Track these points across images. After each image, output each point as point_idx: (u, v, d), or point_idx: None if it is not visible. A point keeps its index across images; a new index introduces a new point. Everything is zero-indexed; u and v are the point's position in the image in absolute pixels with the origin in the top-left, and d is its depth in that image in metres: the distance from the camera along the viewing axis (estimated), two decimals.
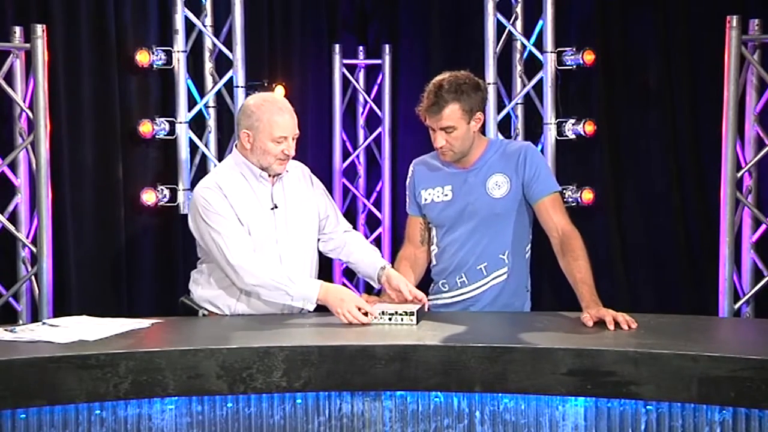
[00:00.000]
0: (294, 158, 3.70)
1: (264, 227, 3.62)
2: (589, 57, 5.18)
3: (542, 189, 3.65)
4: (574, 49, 5.19)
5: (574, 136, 5.22)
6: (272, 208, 3.65)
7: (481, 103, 3.66)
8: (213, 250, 3.58)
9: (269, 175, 3.66)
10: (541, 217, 3.66)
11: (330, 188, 5.62)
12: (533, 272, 3.88)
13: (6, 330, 3.20)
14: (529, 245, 3.77)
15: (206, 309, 3.69)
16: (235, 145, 3.74)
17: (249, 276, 3.52)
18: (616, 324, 3.21)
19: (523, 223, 3.71)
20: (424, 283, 3.84)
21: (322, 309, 3.52)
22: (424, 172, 3.81)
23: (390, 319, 3.36)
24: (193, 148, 5.14)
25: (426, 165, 3.82)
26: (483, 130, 3.98)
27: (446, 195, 3.74)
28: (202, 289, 3.70)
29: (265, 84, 5.11)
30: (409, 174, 3.89)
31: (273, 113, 3.60)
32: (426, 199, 3.78)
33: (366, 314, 3.38)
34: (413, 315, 3.35)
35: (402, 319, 3.36)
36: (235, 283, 3.58)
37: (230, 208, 3.58)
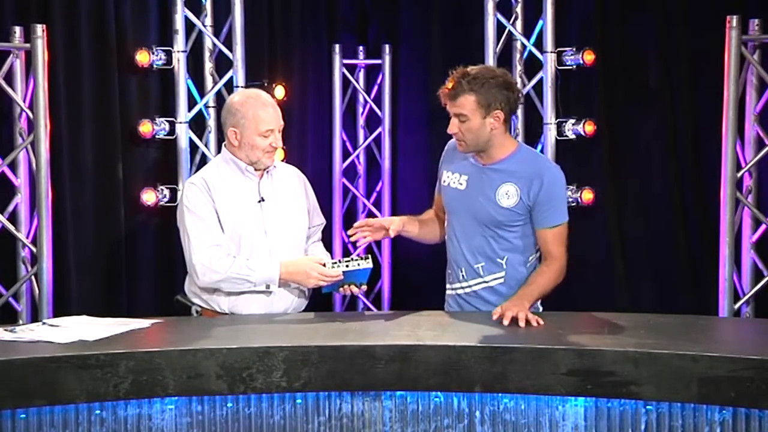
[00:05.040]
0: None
1: (251, 220, 3.69)
2: (589, 57, 5.18)
3: (549, 220, 3.61)
4: (574, 49, 5.20)
5: (574, 136, 5.22)
6: (259, 201, 3.72)
7: (503, 102, 3.56)
8: (184, 248, 3.70)
9: (256, 169, 3.73)
10: (540, 242, 3.64)
11: (330, 188, 5.63)
12: None
13: (6, 330, 3.20)
14: (535, 256, 3.70)
15: (199, 306, 3.74)
16: (224, 144, 3.79)
17: (210, 274, 3.61)
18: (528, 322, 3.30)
19: (529, 235, 3.66)
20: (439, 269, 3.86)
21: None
22: (452, 154, 3.76)
23: (347, 265, 3.58)
24: (193, 148, 5.14)
25: (456, 148, 3.76)
26: (515, 134, 3.94)
27: (461, 184, 3.71)
28: (195, 286, 3.73)
29: (265, 84, 5.11)
30: (443, 152, 3.85)
31: (257, 108, 3.68)
32: (445, 181, 3.77)
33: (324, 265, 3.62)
34: (368, 258, 3.58)
35: (359, 263, 3.58)
36: (195, 282, 3.67)
37: (209, 206, 3.66)
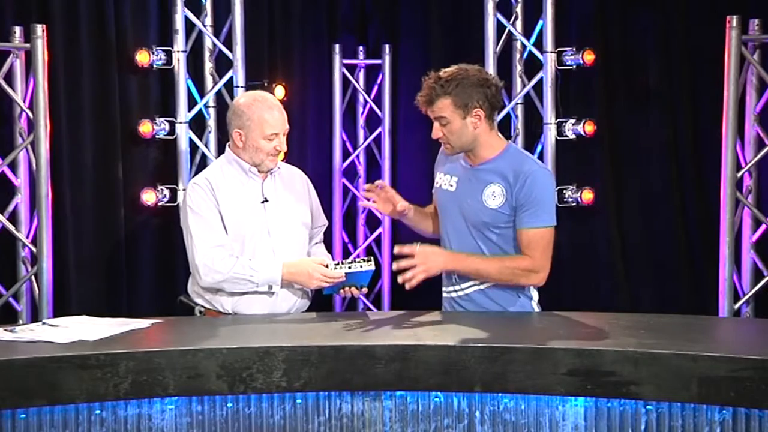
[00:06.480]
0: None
1: (255, 221, 3.70)
2: (589, 57, 5.18)
3: (527, 221, 3.53)
4: (574, 49, 5.20)
5: (574, 136, 5.22)
6: (263, 202, 3.73)
7: (481, 100, 3.53)
8: (187, 248, 3.70)
9: (259, 171, 3.74)
10: (519, 245, 3.58)
11: (330, 188, 5.63)
12: None
13: (6, 330, 3.19)
14: None
15: (202, 306, 3.75)
16: (228, 144, 3.80)
17: (212, 274, 3.62)
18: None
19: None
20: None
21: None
22: (445, 156, 3.75)
23: (350, 267, 3.60)
24: (193, 148, 5.14)
25: None
26: (506, 133, 3.89)
27: (452, 186, 3.70)
28: (198, 286, 3.74)
29: (265, 84, 5.11)
30: (438, 155, 3.81)
31: (263, 111, 3.69)
32: (437, 183, 3.76)
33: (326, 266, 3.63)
34: (370, 260, 3.62)
35: (361, 265, 3.61)
36: (198, 282, 3.68)
37: (211, 206, 3.67)
